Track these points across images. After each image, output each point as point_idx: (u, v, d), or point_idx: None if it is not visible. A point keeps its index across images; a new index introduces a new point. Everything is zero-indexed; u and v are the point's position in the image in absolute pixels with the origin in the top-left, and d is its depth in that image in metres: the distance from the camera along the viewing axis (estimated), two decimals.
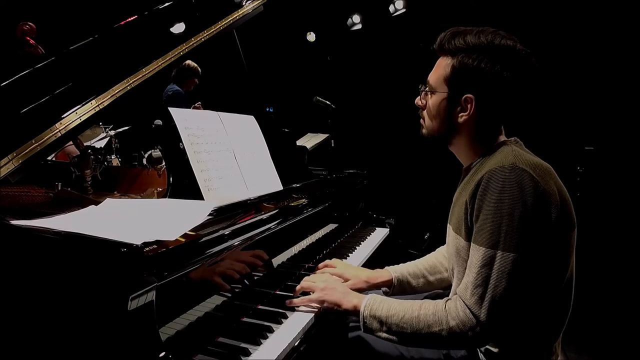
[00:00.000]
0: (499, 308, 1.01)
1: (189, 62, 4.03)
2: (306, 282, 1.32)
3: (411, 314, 1.10)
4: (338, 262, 1.55)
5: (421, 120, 1.28)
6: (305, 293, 1.32)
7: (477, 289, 1.03)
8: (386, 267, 1.51)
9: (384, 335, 1.13)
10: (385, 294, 1.45)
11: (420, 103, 1.27)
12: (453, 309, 1.06)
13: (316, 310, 1.27)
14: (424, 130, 1.27)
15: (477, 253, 1.05)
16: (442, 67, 1.17)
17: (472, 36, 1.12)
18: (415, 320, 1.08)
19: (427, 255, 1.54)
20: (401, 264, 1.53)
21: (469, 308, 1.03)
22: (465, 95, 1.13)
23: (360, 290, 1.39)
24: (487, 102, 1.13)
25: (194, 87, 4.17)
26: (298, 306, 1.28)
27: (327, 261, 1.54)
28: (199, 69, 4.14)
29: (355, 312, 1.18)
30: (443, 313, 1.06)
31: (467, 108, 1.14)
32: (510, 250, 1.00)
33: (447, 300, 1.10)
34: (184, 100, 3.89)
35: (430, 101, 1.22)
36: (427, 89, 1.23)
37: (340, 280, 1.40)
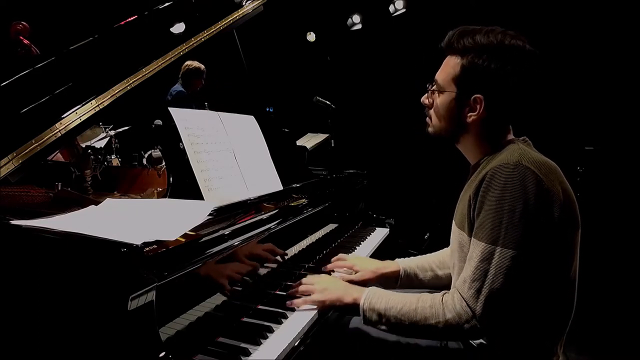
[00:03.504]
0: (495, 303, 1.02)
1: (196, 63, 4.03)
2: (304, 286, 1.31)
3: (409, 306, 1.11)
4: (349, 256, 1.61)
5: (427, 119, 1.28)
6: None
7: (474, 282, 1.04)
8: (396, 259, 1.53)
9: (383, 327, 1.14)
10: (394, 286, 1.48)
11: (427, 102, 1.26)
12: (450, 302, 1.07)
13: (316, 309, 1.27)
14: (430, 129, 1.27)
15: (476, 248, 1.05)
16: (450, 66, 1.17)
17: (481, 36, 1.12)
18: (413, 312, 1.10)
19: (438, 251, 1.55)
20: (411, 257, 1.54)
21: (465, 301, 1.04)
22: (475, 96, 1.13)
23: (368, 281, 1.43)
24: (497, 102, 1.13)
25: (200, 87, 4.18)
26: (299, 306, 1.27)
27: (340, 255, 1.57)
28: (202, 67, 4.12)
29: (355, 305, 1.19)
30: (440, 306, 1.08)
31: (476, 108, 1.14)
32: (510, 247, 1.00)
33: (444, 294, 1.11)
34: (188, 101, 3.90)
35: (438, 100, 1.22)
36: (434, 87, 1.22)
37: (341, 278, 1.42)
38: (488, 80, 1.11)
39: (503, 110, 1.15)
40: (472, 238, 1.09)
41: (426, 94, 1.26)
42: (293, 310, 1.26)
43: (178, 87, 4.04)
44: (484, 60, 1.11)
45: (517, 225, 1.00)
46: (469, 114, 1.16)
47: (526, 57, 1.11)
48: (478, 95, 1.13)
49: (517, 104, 1.14)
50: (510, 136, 1.19)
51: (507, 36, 1.11)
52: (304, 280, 1.35)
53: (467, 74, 1.13)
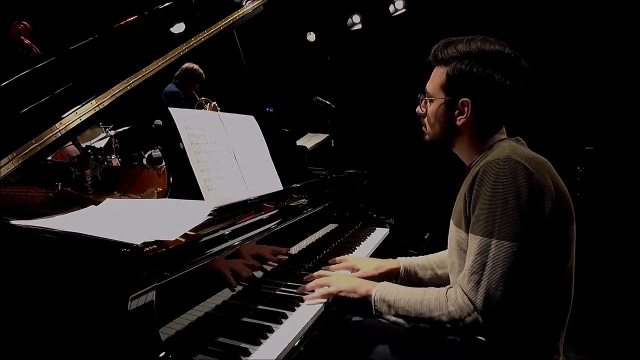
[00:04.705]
0: (494, 295, 1.04)
1: (195, 67, 3.97)
2: (321, 280, 1.39)
3: (416, 298, 1.16)
4: (349, 257, 1.69)
5: (423, 128, 1.35)
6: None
7: (473, 275, 1.07)
8: (398, 258, 1.59)
9: (392, 318, 1.19)
10: (394, 282, 1.50)
11: (420, 111, 1.34)
12: (452, 295, 1.10)
13: (318, 308, 1.27)
14: (426, 137, 1.35)
15: (474, 242, 1.09)
16: (437, 75, 1.26)
17: (463, 45, 1.20)
18: (419, 304, 1.14)
19: (439, 252, 1.59)
20: (413, 257, 1.60)
21: (466, 294, 1.08)
22: (462, 99, 1.21)
23: (370, 277, 1.46)
24: (483, 103, 1.20)
25: (194, 91, 4.12)
26: (313, 299, 1.32)
27: (338, 258, 1.64)
28: (204, 75, 4.07)
29: (367, 296, 1.25)
30: (444, 298, 1.11)
31: (465, 111, 1.21)
32: (505, 239, 1.04)
33: (449, 288, 1.15)
34: (182, 102, 3.85)
35: (429, 108, 1.30)
36: (425, 97, 1.30)
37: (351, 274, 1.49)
38: (472, 84, 1.19)
39: (489, 111, 1.21)
40: (469, 233, 1.12)
41: (419, 104, 1.34)
42: (293, 310, 1.27)
43: (172, 87, 3.95)
44: (466, 65, 1.18)
45: (510, 217, 1.04)
46: (459, 118, 1.23)
47: (506, 59, 1.18)
48: (465, 99, 1.20)
49: (502, 104, 1.20)
50: (502, 136, 1.25)
51: (486, 42, 1.19)
52: (319, 273, 1.46)
53: (452, 80, 1.21)
